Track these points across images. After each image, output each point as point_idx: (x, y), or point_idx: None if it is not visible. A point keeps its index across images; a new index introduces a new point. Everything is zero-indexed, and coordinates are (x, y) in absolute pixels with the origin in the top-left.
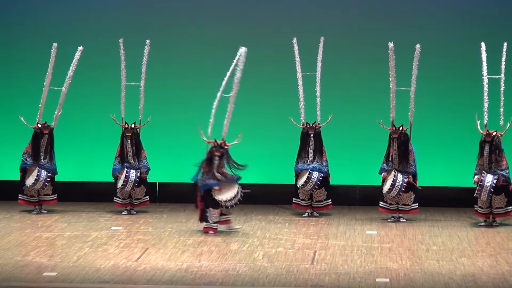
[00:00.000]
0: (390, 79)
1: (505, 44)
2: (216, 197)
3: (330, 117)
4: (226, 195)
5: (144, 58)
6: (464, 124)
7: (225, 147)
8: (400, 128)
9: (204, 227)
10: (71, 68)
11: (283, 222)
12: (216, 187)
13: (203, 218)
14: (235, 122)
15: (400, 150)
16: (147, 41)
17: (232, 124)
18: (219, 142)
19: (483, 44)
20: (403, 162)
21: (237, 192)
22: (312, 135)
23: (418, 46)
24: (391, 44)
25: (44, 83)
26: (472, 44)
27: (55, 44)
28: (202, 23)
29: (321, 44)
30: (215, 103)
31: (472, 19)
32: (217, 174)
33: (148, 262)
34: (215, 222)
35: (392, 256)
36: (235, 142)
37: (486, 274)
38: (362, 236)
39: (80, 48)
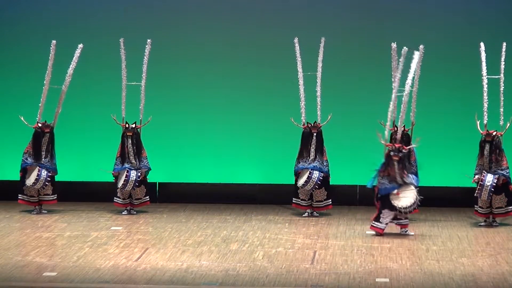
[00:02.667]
0: (393, 79)
1: (504, 44)
2: (393, 202)
3: (329, 117)
4: (405, 201)
5: (145, 57)
6: (464, 124)
7: (403, 151)
8: (402, 129)
9: (371, 226)
10: (71, 66)
11: (283, 222)
12: (395, 191)
13: (376, 217)
14: (235, 121)
15: None
16: (148, 40)
17: (232, 123)
18: (396, 145)
19: (482, 44)
20: None
21: (415, 199)
22: (315, 134)
23: (421, 47)
24: (394, 45)
25: (44, 82)
26: (471, 44)
27: (53, 42)
28: (203, 23)
29: (322, 44)
30: (392, 104)
31: (471, 19)
32: (398, 178)
33: (148, 262)
34: (386, 224)
35: (392, 256)
36: (413, 145)
37: (486, 274)
38: (362, 236)
39: (80, 45)
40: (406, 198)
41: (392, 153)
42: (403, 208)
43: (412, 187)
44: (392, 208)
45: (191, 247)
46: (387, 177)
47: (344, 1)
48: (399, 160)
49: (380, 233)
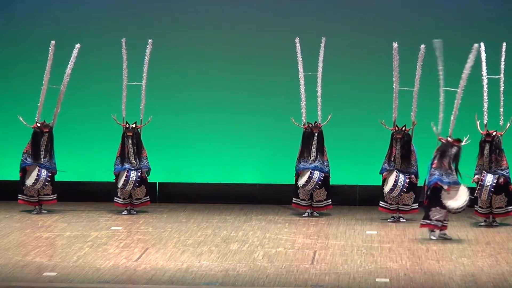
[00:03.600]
0: (394, 79)
1: (504, 44)
2: (444, 202)
3: (329, 117)
4: (457, 202)
5: (146, 57)
6: (464, 124)
7: (460, 144)
8: (403, 129)
9: (421, 224)
10: (69, 65)
11: (283, 222)
12: (445, 187)
13: (425, 215)
14: (235, 121)
15: (403, 150)
16: (149, 40)
17: (232, 123)
18: (452, 139)
19: (482, 44)
20: (405, 162)
21: (466, 200)
22: (316, 134)
23: (423, 46)
24: (395, 45)
25: (43, 82)
26: (471, 44)
27: (52, 42)
28: (204, 23)
29: (322, 44)
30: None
31: (472, 19)
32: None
33: (148, 262)
34: (437, 220)
35: (392, 256)
36: (466, 142)
37: (486, 274)
38: (362, 236)
39: (77, 45)
40: (458, 199)
41: (449, 144)
42: (454, 209)
43: (465, 188)
44: (443, 207)
45: (191, 247)
46: (440, 168)
47: (345, 1)
48: (459, 150)
49: (432, 229)
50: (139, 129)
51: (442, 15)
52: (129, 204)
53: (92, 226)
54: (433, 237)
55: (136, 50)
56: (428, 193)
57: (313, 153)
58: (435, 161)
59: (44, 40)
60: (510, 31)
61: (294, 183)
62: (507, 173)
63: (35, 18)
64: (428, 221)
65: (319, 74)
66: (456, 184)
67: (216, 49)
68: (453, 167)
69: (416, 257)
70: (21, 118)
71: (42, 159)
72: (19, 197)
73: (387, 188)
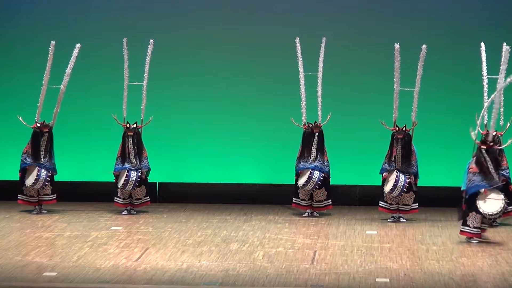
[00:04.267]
0: (395, 79)
1: (504, 44)
2: (480, 207)
3: (329, 116)
4: (492, 207)
5: (147, 57)
6: (464, 124)
7: (497, 147)
8: (404, 129)
9: (461, 231)
10: (69, 65)
11: (283, 222)
12: (482, 190)
13: (463, 221)
14: (235, 121)
15: (403, 151)
16: (151, 40)
17: (232, 123)
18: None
19: (482, 44)
20: (405, 162)
21: (502, 205)
22: (316, 134)
23: (424, 46)
24: (397, 45)
25: (43, 82)
26: (471, 44)
27: (53, 42)
28: (205, 23)
29: (323, 44)
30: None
31: (471, 19)
32: (493, 173)
33: (148, 262)
34: (475, 227)
35: (392, 256)
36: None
37: (486, 274)
38: (362, 236)
39: (78, 45)
40: (493, 204)
41: (487, 146)
42: (489, 214)
43: (501, 193)
44: (478, 211)
45: (191, 247)
46: (479, 174)
47: (345, 1)
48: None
49: (470, 237)
50: (139, 129)
51: (442, 15)
52: (129, 204)
53: (92, 226)
54: (474, 241)
55: (137, 50)
56: (467, 197)
57: (314, 153)
58: (473, 166)
59: (44, 40)
60: (510, 31)
61: (294, 183)
62: (507, 173)
63: (35, 18)
64: (467, 229)
65: (320, 74)
66: (495, 187)
67: (217, 49)
68: (494, 171)
69: (416, 257)
70: (21, 118)
71: (42, 159)
72: (19, 197)
73: (387, 188)
